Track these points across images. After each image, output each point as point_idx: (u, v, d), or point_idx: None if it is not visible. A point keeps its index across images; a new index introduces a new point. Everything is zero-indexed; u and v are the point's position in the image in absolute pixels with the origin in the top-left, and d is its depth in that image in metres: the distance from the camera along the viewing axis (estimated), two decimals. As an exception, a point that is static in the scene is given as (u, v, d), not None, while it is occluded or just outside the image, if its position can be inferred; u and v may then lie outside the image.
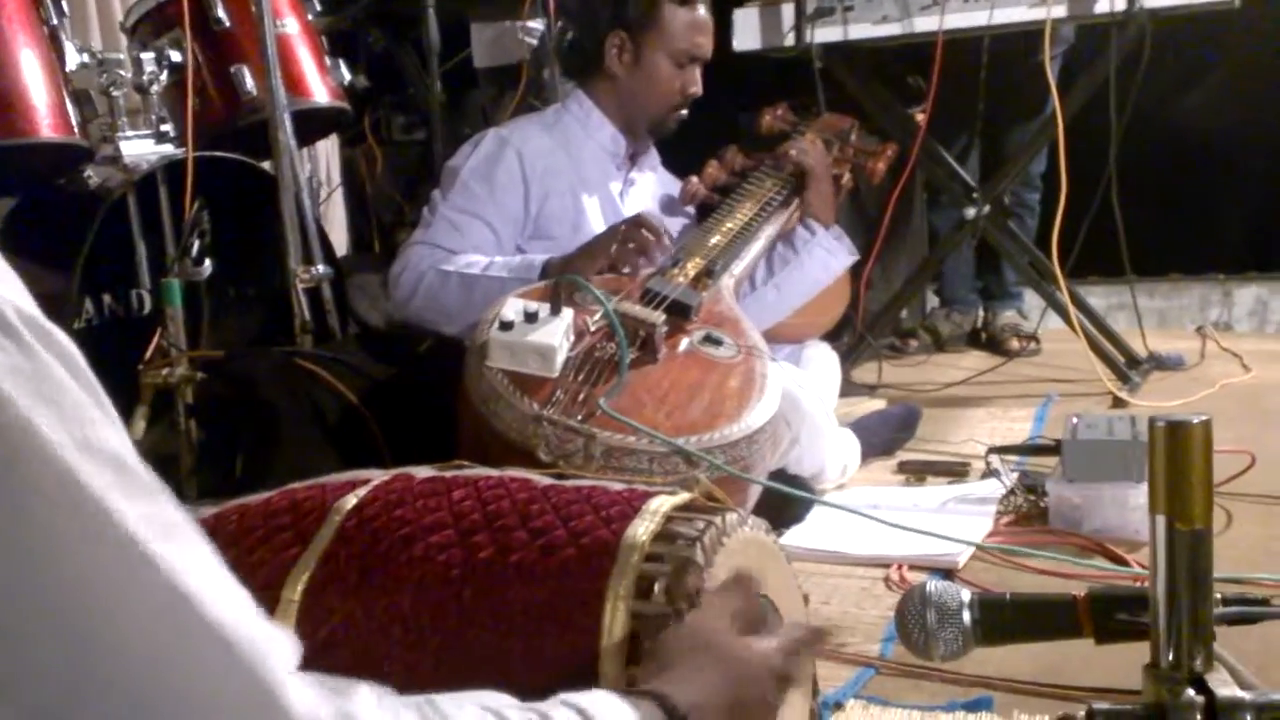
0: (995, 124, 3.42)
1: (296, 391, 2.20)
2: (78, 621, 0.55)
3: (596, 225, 2.38)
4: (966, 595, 1.00)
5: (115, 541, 0.56)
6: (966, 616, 0.99)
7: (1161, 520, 0.72)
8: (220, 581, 0.60)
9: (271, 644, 0.59)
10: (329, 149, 4.18)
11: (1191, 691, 0.71)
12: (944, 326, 3.79)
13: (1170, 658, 0.73)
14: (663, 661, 0.89)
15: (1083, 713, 0.72)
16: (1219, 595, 0.96)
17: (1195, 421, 0.71)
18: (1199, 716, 0.70)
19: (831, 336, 2.97)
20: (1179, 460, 0.71)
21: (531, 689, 0.83)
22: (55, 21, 2.49)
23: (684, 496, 1.13)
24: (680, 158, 2.72)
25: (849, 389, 2.97)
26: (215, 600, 0.58)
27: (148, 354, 2.24)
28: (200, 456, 2.20)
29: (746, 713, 0.86)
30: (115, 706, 0.56)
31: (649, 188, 2.63)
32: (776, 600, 1.07)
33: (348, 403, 2.22)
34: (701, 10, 2.51)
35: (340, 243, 4.13)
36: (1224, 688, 0.71)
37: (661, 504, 1.08)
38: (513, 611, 1.01)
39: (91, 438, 0.56)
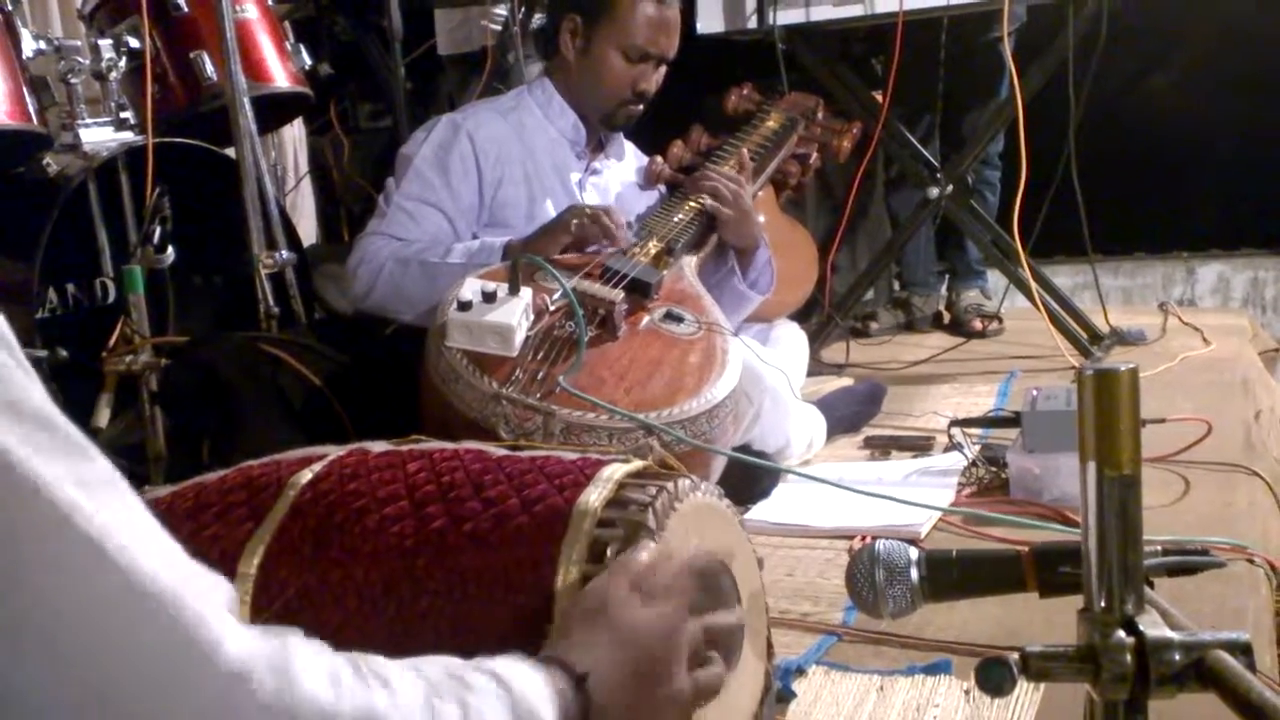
0: (953, 104, 3.44)
1: (260, 376, 2.20)
2: (6, 588, 0.55)
3: (552, 214, 2.31)
4: (914, 553, 1.02)
5: (45, 507, 0.56)
6: (914, 574, 1.00)
7: (1092, 468, 0.74)
8: (150, 535, 0.60)
9: (204, 590, 0.60)
10: (297, 138, 4.16)
11: (1122, 633, 0.72)
12: (909, 308, 3.81)
13: (1102, 602, 0.74)
14: (562, 629, 0.90)
15: (1016, 655, 0.74)
16: (1160, 548, 0.98)
17: (1122, 369, 0.72)
18: (1129, 657, 0.71)
19: (799, 317, 2.99)
20: (1107, 408, 0.72)
21: (485, 654, 0.84)
22: (9, 8, 2.47)
23: (638, 464, 1.13)
24: (645, 139, 2.72)
25: (817, 369, 2.99)
26: (145, 555, 0.59)
27: (110, 341, 2.23)
28: (166, 443, 2.19)
29: (650, 674, 0.86)
30: (51, 667, 0.56)
31: (616, 176, 2.57)
32: (731, 565, 1.08)
33: (313, 386, 2.21)
34: (663, 9, 2.40)
35: (310, 232, 4.12)
36: (1154, 629, 0.72)
37: (614, 471, 1.09)
38: (466, 579, 1.01)
39: (13, 396, 0.56)
